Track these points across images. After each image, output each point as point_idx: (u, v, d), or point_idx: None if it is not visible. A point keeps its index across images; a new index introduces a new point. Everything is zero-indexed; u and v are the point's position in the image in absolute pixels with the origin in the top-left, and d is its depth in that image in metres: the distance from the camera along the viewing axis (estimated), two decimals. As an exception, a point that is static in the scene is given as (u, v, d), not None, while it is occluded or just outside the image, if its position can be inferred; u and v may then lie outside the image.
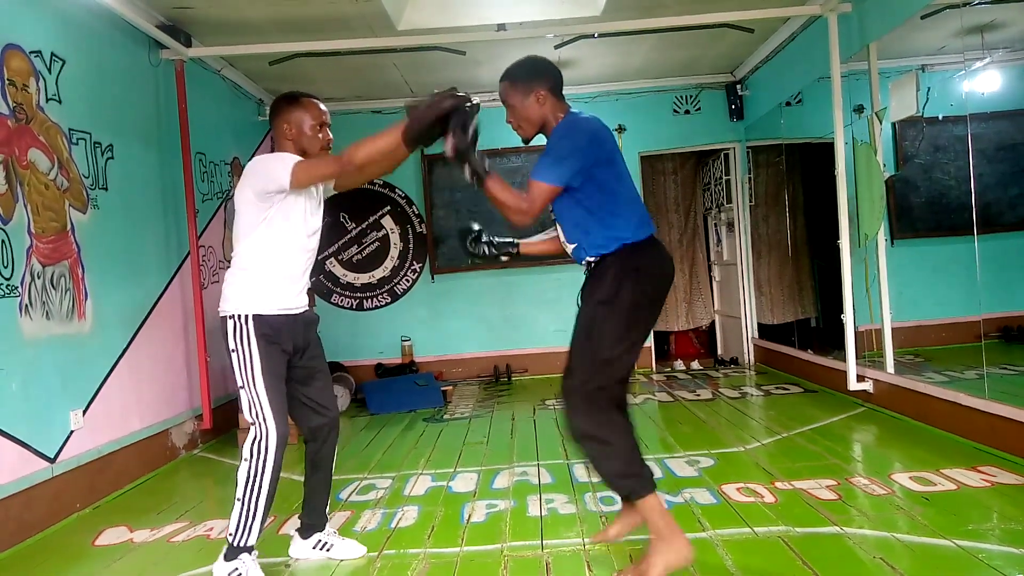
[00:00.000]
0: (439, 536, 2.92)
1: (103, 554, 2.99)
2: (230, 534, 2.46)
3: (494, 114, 2.79)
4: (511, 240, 2.71)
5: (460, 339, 7.12)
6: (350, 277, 7.16)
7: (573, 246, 2.46)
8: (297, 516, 2.87)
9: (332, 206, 7.03)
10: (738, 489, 3.21)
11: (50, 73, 3.59)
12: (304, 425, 2.72)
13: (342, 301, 7.17)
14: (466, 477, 3.73)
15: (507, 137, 3.17)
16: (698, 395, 5.60)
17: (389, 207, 7.12)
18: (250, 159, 2.67)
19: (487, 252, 2.66)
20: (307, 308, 2.68)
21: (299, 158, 2.45)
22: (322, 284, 7.09)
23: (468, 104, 2.27)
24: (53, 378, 3.45)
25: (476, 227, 2.70)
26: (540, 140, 2.50)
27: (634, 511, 2.45)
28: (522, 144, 2.60)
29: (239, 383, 2.47)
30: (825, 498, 3.02)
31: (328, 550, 2.77)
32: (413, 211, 7.14)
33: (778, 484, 3.24)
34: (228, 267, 2.61)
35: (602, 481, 2.40)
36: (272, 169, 2.42)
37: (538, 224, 2.61)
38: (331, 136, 2.63)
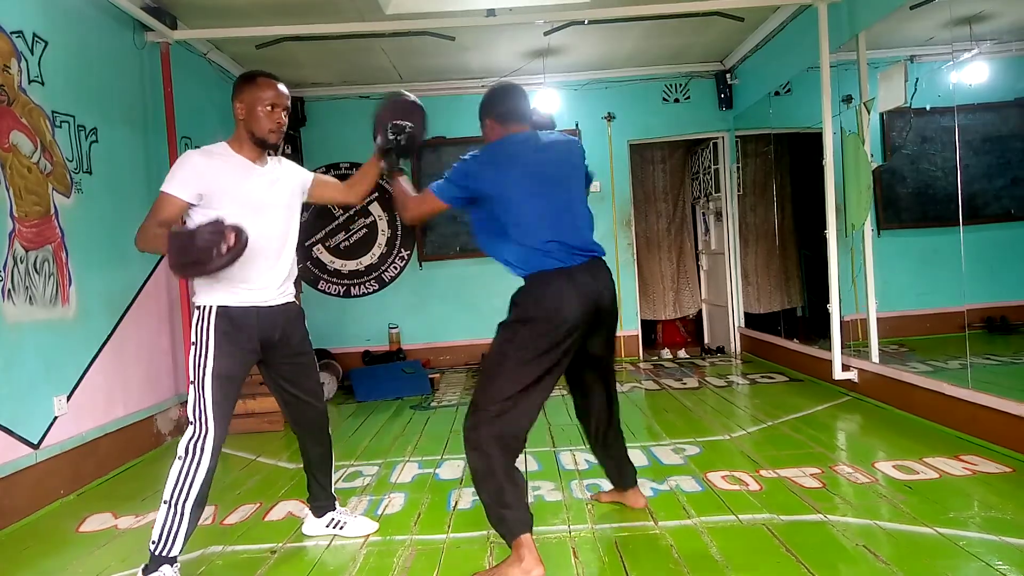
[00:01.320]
0: (425, 523, 2.92)
1: (87, 540, 2.98)
2: (153, 541, 2.33)
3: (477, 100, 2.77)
4: (398, 167, 2.79)
5: (448, 326, 7.11)
6: (337, 264, 7.13)
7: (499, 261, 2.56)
8: (306, 500, 2.89)
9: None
10: (723, 477, 3.23)
11: (32, 54, 3.53)
12: (296, 419, 2.71)
13: (329, 288, 7.14)
14: (453, 464, 3.74)
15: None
16: (684, 383, 5.63)
17: (377, 194, 7.08)
18: None
19: (391, 138, 2.71)
20: (289, 301, 2.59)
21: (167, 187, 2.34)
22: (309, 271, 7.06)
23: (405, 102, 2.64)
24: (36, 364, 3.42)
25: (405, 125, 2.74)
26: None
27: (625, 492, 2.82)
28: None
29: (191, 378, 2.38)
30: (809, 486, 3.04)
31: (341, 528, 2.81)
32: (401, 198, 7.10)
33: (763, 472, 3.27)
34: None
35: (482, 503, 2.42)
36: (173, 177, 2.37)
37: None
38: (284, 120, 2.50)
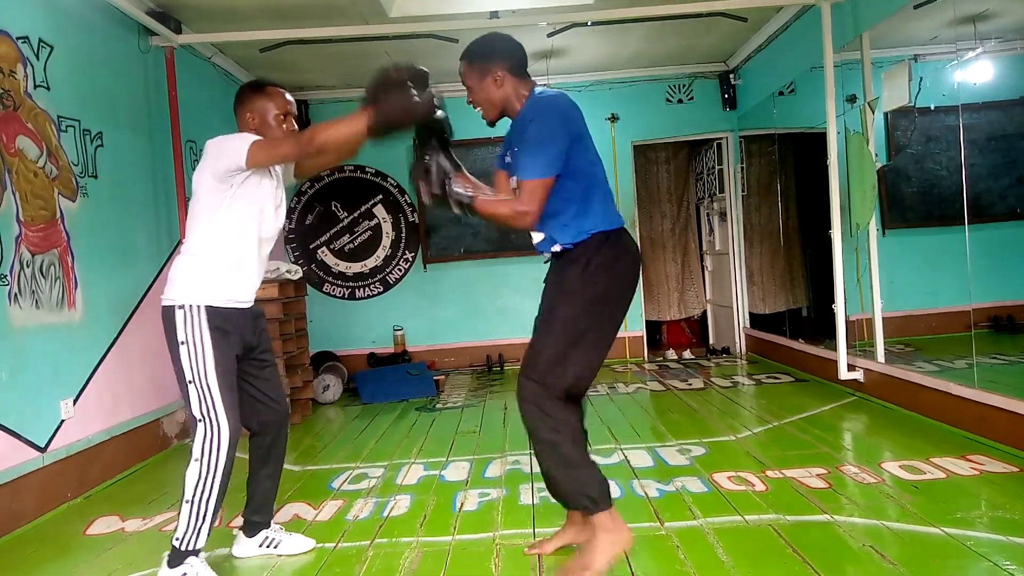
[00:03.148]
0: (431, 525, 2.92)
1: (94, 543, 2.98)
2: (177, 539, 2.35)
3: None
4: (468, 194, 2.26)
5: (452, 329, 7.12)
6: (342, 266, 7.14)
7: (540, 236, 2.35)
8: (240, 514, 2.75)
9: (324, 195, 7.05)
10: (729, 478, 3.23)
11: (38, 59, 3.55)
12: (254, 419, 2.60)
13: (334, 290, 7.15)
14: (458, 466, 3.74)
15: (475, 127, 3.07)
16: (690, 384, 5.62)
17: (381, 196, 7.10)
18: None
19: (437, 192, 2.24)
20: (255, 301, 2.58)
21: (257, 137, 2.35)
22: (314, 273, 7.07)
23: (437, 129, 2.23)
24: (43, 367, 3.43)
25: (432, 162, 2.25)
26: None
27: (580, 525, 2.42)
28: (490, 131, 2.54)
29: (187, 377, 2.34)
30: (815, 486, 3.03)
31: (276, 547, 2.69)
32: (405, 200, 7.12)
33: (769, 473, 3.26)
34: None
35: (551, 490, 2.34)
36: (229, 148, 2.31)
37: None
38: (295, 127, 2.53)
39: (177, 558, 2.36)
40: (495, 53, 2.33)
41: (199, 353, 2.34)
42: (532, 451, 2.36)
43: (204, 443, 2.34)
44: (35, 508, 3.31)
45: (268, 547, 2.69)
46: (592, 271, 2.26)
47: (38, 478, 3.33)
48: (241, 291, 2.46)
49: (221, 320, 2.38)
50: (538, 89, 2.36)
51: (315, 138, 2.25)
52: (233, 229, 2.41)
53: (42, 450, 3.38)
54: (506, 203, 2.26)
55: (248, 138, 2.33)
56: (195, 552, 2.38)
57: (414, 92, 2.16)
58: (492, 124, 2.43)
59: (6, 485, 3.13)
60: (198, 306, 2.36)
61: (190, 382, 2.35)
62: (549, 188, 2.22)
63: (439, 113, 2.22)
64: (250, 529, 2.70)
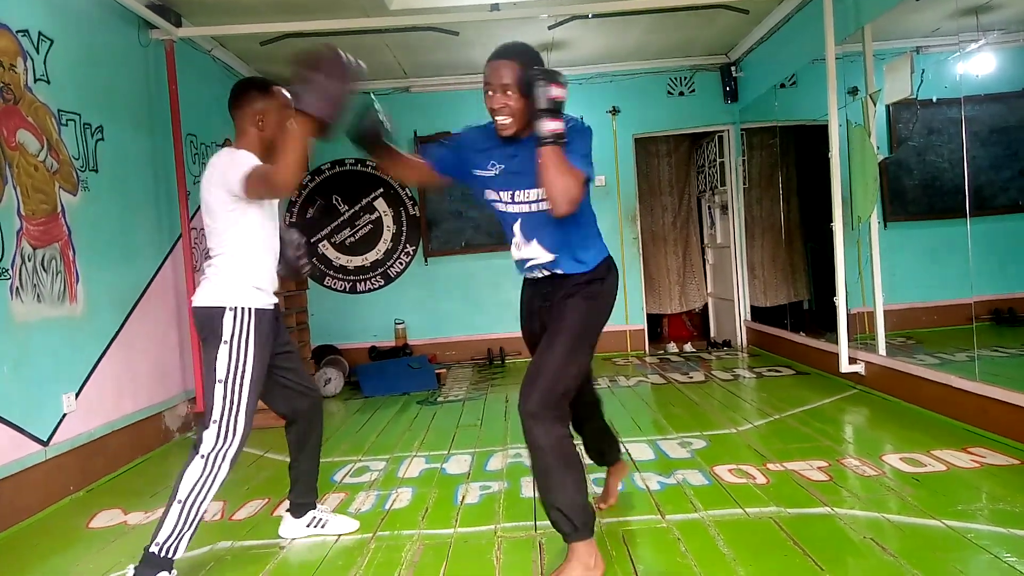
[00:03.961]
0: (433, 517, 2.93)
1: (97, 537, 3.00)
2: (157, 543, 2.26)
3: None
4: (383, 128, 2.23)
5: (454, 322, 7.12)
6: (343, 260, 7.14)
7: (549, 257, 2.29)
8: (286, 498, 2.84)
9: (324, 189, 7.04)
10: (730, 470, 3.23)
11: (38, 53, 3.54)
12: (288, 407, 2.67)
13: (335, 284, 7.15)
14: (460, 459, 3.75)
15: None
16: (691, 377, 5.62)
17: (382, 189, 7.10)
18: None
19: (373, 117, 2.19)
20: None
21: (250, 169, 2.30)
22: (315, 267, 7.07)
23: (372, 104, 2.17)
24: (45, 361, 3.44)
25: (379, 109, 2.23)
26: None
27: (616, 470, 2.81)
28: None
29: (219, 376, 2.33)
30: (816, 479, 3.04)
31: (323, 527, 2.79)
32: (406, 193, 7.12)
33: (770, 465, 3.27)
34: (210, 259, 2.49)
35: (546, 507, 2.26)
36: (232, 178, 2.31)
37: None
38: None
39: (149, 567, 2.25)
40: (539, 62, 2.18)
41: (241, 354, 2.37)
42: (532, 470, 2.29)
43: (214, 451, 2.33)
44: (38, 501, 3.32)
45: (316, 527, 2.79)
46: (601, 292, 2.34)
47: (41, 472, 3.34)
48: (271, 290, 2.53)
49: (264, 323, 2.44)
50: None
51: (290, 181, 2.18)
52: (257, 233, 2.47)
53: (45, 444, 3.39)
54: (577, 177, 2.07)
55: (243, 172, 2.30)
56: (170, 565, 2.28)
57: (320, 76, 2.03)
58: (510, 136, 2.20)
59: (9, 479, 3.14)
60: (249, 308, 2.40)
61: (220, 381, 2.34)
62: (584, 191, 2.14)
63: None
64: (297, 511, 2.79)
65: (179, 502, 2.29)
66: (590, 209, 2.35)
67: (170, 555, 2.28)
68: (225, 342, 2.35)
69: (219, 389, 2.34)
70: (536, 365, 2.24)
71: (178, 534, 2.29)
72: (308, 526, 2.79)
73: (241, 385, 2.36)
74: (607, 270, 2.38)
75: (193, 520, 2.31)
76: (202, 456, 2.33)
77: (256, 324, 2.40)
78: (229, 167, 2.36)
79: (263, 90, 2.52)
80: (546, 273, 2.36)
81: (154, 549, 2.27)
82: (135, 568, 2.29)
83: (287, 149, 2.13)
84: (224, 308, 2.38)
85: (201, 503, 2.32)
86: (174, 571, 2.30)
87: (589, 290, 2.31)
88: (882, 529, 2.50)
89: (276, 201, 2.60)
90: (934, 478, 2.96)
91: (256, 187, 2.31)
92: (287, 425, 2.73)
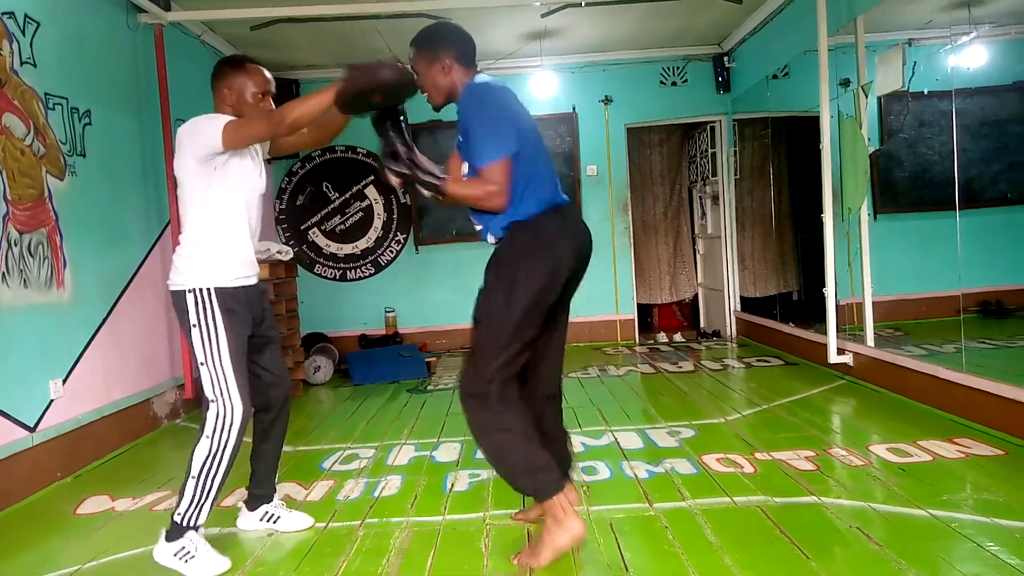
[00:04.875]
0: (422, 505, 2.93)
1: (85, 522, 2.99)
2: (179, 513, 2.38)
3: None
4: (438, 176, 2.34)
5: (444, 310, 7.10)
6: (333, 247, 7.11)
7: (480, 226, 2.39)
8: (244, 487, 2.79)
9: (315, 176, 7.01)
10: (718, 460, 3.25)
11: (24, 36, 3.50)
12: (258, 395, 2.64)
13: (325, 271, 7.13)
14: (449, 447, 3.75)
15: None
16: (680, 367, 5.64)
17: (373, 177, 7.06)
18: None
19: (407, 172, 2.32)
20: (260, 279, 2.63)
21: (230, 117, 2.36)
22: (305, 254, 7.04)
23: (400, 116, 2.28)
24: (32, 347, 3.42)
25: (398, 145, 2.35)
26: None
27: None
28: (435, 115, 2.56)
29: (200, 359, 2.38)
30: (803, 468, 3.06)
31: (275, 522, 2.72)
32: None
33: (757, 455, 3.28)
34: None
35: (504, 478, 2.34)
36: (204, 131, 2.32)
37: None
38: (273, 106, 2.52)
39: (176, 532, 2.40)
40: (443, 41, 2.38)
41: (212, 335, 2.38)
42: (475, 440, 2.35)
43: (216, 422, 2.38)
44: (25, 487, 3.30)
45: (268, 521, 2.74)
46: (519, 251, 2.27)
47: (28, 457, 3.33)
48: (244, 268, 2.50)
49: (231, 300, 2.43)
50: (478, 78, 2.36)
51: (287, 115, 2.26)
52: (226, 209, 2.44)
53: (31, 430, 3.37)
54: (476, 184, 2.25)
55: (221, 119, 2.34)
56: (195, 527, 2.41)
57: (385, 67, 2.20)
58: (437, 109, 2.47)
59: (-5, 464, 3.12)
60: (208, 288, 2.40)
61: (203, 363, 2.39)
62: (509, 167, 2.22)
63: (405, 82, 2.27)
64: (252, 502, 2.75)
65: (193, 478, 2.38)
66: (518, 174, 2.26)
67: (191, 524, 2.40)
68: (194, 325, 2.39)
69: (204, 371, 2.40)
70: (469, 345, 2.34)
71: (197, 505, 2.39)
72: (261, 520, 2.73)
73: (221, 362, 2.38)
74: (521, 230, 2.28)
75: (208, 492, 2.39)
76: (207, 436, 2.39)
77: (220, 302, 2.39)
78: (200, 123, 2.36)
79: (236, 65, 2.52)
80: (491, 242, 2.41)
81: (176, 519, 2.40)
82: (166, 531, 2.42)
83: (307, 96, 2.26)
84: (184, 291, 2.40)
85: (215, 476, 2.39)
86: (200, 529, 2.43)
87: (494, 259, 2.32)
88: (868, 518, 2.52)
89: (255, 177, 2.52)
90: (920, 468, 2.98)
91: (238, 128, 2.31)
92: (255, 412, 2.67)
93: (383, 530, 2.69)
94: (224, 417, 2.39)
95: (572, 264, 2.32)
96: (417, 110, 2.32)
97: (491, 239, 2.40)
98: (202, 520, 2.42)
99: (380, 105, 2.29)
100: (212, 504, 2.43)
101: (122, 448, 4.08)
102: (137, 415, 4.28)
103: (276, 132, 2.33)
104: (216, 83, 2.51)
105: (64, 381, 3.64)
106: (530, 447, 2.25)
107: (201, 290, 2.39)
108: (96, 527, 2.92)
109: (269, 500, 2.77)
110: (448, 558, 2.43)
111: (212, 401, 2.40)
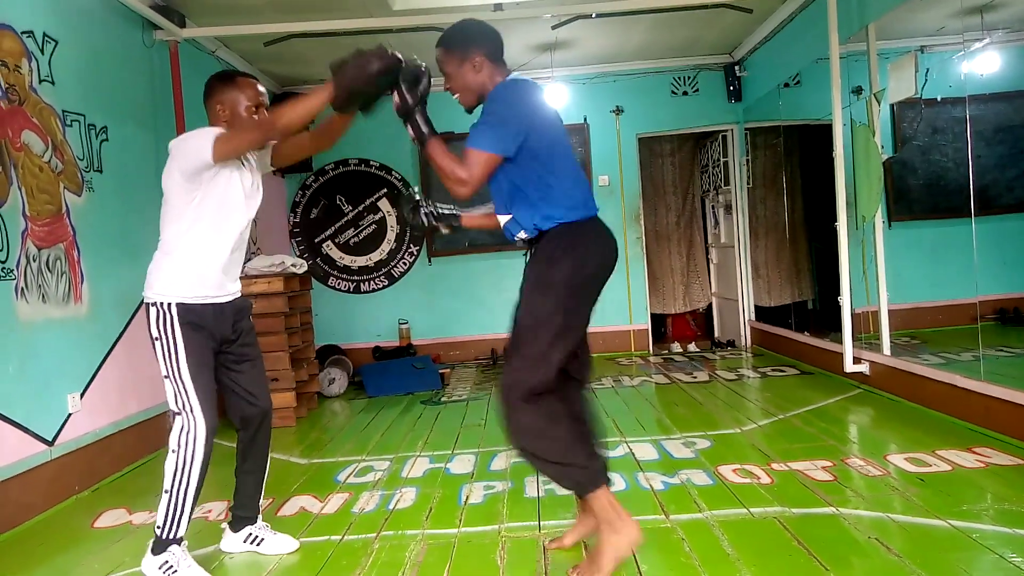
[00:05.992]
0: (437, 517, 2.93)
1: (102, 536, 3.00)
2: (158, 527, 2.40)
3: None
4: (453, 211, 2.61)
5: (457, 322, 7.12)
6: (347, 260, 7.15)
7: (506, 218, 2.35)
8: (228, 508, 2.75)
9: (328, 189, 7.05)
10: (734, 470, 3.23)
11: (43, 54, 3.55)
12: (235, 414, 2.61)
13: (339, 284, 7.17)
14: (464, 459, 3.75)
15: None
16: (695, 377, 5.62)
17: (386, 189, 7.10)
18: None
19: (425, 223, 2.58)
20: (238, 295, 2.58)
21: (220, 130, 2.35)
22: (319, 267, 7.08)
23: (412, 65, 2.25)
24: (50, 361, 3.45)
25: (416, 195, 2.62)
26: None
27: (590, 513, 2.35)
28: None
29: (163, 372, 2.38)
30: (821, 479, 3.03)
31: (258, 544, 2.67)
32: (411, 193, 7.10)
33: (774, 465, 3.26)
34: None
35: (546, 478, 2.34)
36: (193, 145, 2.29)
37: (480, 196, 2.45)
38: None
39: (159, 546, 2.41)
40: (473, 39, 2.35)
41: (171, 348, 2.37)
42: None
43: (181, 435, 2.38)
44: (43, 501, 3.33)
45: (251, 544, 2.68)
46: (556, 259, 2.24)
47: (46, 471, 3.35)
48: (213, 286, 2.46)
49: (193, 316, 2.40)
50: (515, 75, 2.36)
51: (277, 120, 2.26)
52: (203, 226, 2.41)
53: (50, 443, 3.40)
54: (453, 160, 2.23)
55: (211, 132, 2.32)
56: (176, 540, 2.41)
57: (372, 57, 2.18)
58: (470, 110, 2.43)
59: (15, 478, 3.15)
60: (169, 303, 2.39)
61: (165, 376, 2.39)
62: (493, 165, 2.22)
63: (418, 61, 2.28)
64: (235, 524, 2.71)
65: (166, 492, 2.39)
66: (538, 168, 2.25)
67: (171, 536, 2.40)
68: (156, 338, 2.39)
69: (167, 384, 2.40)
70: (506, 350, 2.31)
71: (174, 518, 2.39)
72: (244, 542, 2.68)
73: (181, 376, 2.37)
74: (555, 237, 2.26)
75: (182, 505, 2.39)
76: (172, 450, 2.38)
77: (179, 317, 2.37)
78: (189, 138, 2.35)
79: (226, 80, 2.50)
80: (513, 241, 2.39)
81: (158, 532, 2.42)
82: (151, 545, 2.44)
83: (297, 99, 2.22)
84: (148, 304, 2.42)
85: (186, 489, 2.38)
86: (184, 542, 2.44)
87: (532, 273, 2.28)
88: (887, 529, 2.49)
89: (246, 191, 2.48)
90: (939, 478, 2.95)
91: (228, 139, 2.29)
92: (236, 431, 2.66)
93: (398, 543, 2.69)
94: (188, 431, 2.37)
95: (610, 272, 2.35)
96: (435, 121, 2.30)
97: (522, 235, 2.33)
98: (181, 532, 2.41)
99: (377, 96, 2.27)
100: (189, 516, 2.42)
101: (139, 461, 4.10)
102: (154, 428, 4.30)
103: (268, 138, 2.33)
104: (208, 101, 2.49)
105: (82, 395, 3.67)
106: (574, 445, 2.24)
107: (162, 304, 2.38)
108: (113, 540, 2.93)
109: (253, 522, 2.71)
110: (463, 571, 2.42)
111: (176, 414, 2.40)
